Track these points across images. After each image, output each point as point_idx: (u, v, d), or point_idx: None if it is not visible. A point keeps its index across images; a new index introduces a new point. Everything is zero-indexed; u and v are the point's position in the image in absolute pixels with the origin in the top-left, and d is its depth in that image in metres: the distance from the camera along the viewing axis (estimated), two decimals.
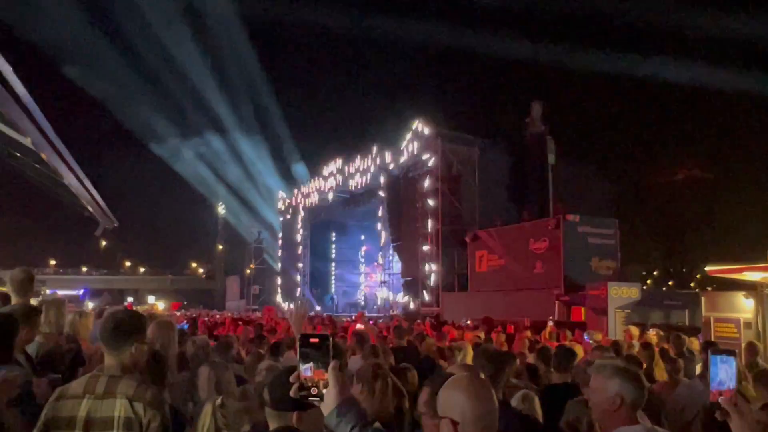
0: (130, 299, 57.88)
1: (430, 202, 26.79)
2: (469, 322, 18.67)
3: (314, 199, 39.45)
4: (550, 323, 12.35)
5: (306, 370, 1.66)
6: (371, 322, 15.82)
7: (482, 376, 2.54)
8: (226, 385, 4.14)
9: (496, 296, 22.63)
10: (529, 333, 10.35)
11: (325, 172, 37.41)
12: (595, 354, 5.77)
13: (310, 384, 1.64)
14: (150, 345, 3.30)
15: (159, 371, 3.62)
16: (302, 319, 4.04)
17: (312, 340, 1.69)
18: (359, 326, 9.83)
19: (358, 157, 33.26)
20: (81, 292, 56.08)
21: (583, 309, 17.47)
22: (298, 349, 1.72)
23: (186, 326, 9.01)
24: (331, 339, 1.70)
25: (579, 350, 7.40)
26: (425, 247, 27.00)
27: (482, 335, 10.58)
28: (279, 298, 45.19)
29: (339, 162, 35.84)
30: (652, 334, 10.04)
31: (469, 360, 5.33)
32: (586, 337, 9.44)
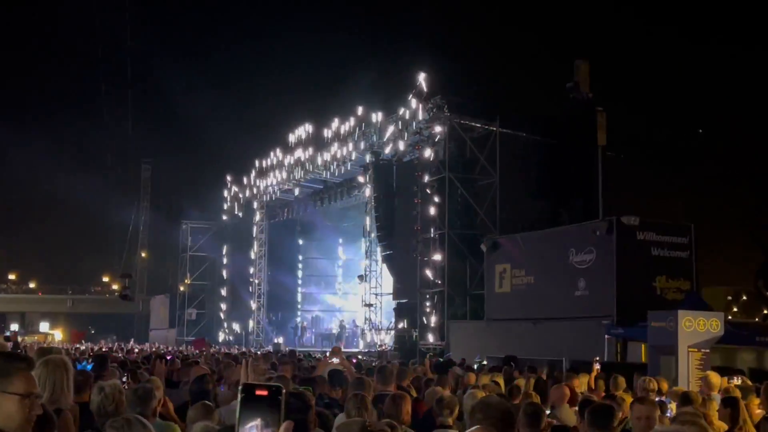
0: (14, 327, 57.37)
1: (435, 197, 26.79)
2: (484, 362, 18.66)
3: (274, 188, 39.39)
4: (597, 366, 12.30)
5: (251, 428, 1.65)
6: (354, 361, 15.80)
7: None
8: None
9: (522, 327, 22.58)
10: (576, 380, 10.29)
11: (288, 158, 37.19)
12: (639, 410, 5.68)
13: None
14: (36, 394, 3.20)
15: None
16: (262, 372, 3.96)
17: (258, 392, 1.69)
18: (334, 360, 9.75)
19: (335, 122, 33.10)
20: None
21: (643, 346, 17.46)
22: (238, 403, 1.72)
23: (89, 366, 8.89)
24: (284, 392, 1.70)
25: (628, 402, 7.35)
26: (426, 258, 26.99)
27: (501, 381, 10.46)
28: (224, 326, 45.05)
29: (308, 128, 35.67)
30: (734, 384, 10.00)
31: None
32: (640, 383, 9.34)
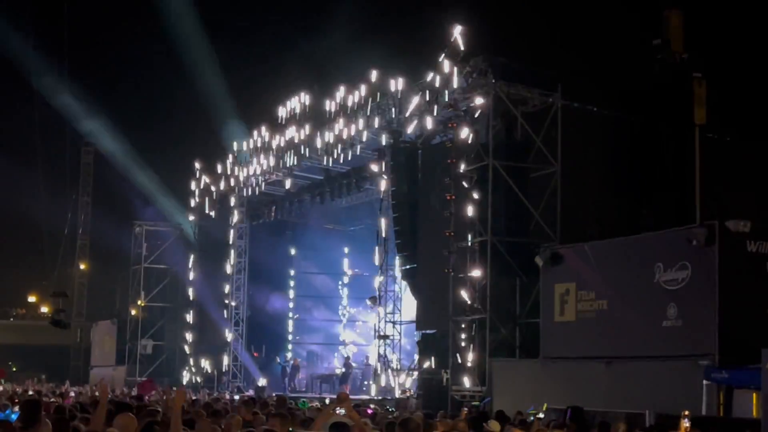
0: None
1: (474, 192, 26.73)
2: (541, 415, 18.57)
3: (258, 179, 39.42)
4: (686, 423, 12.28)
5: None
6: (369, 411, 15.78)
7: None
8: None
9: (591, 369, 22.56)
10: None
11: (277, 139, 37.25)
12: None
13: None
14: None
15: None
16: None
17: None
18: (339, 411, 9.84)
19: (341, 91, 33.17)
20: None
21: (755, 396, 17.35)
22: None
23: (14, 415, 8.93)
24: None
25: None
26: (462, 275, 26.93)
27: None
28: (190, 363, 45.09)
29: (305, 99, 35.66)
30: None
31: None
32: None
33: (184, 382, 43.04)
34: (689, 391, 19.23)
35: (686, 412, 13.41)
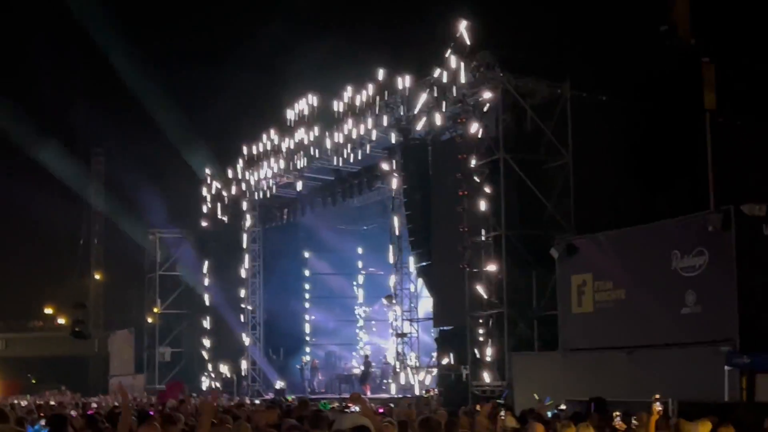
0: None
1: (486, 186, 26.70)
2: (563, 407, 18.51)
3: (269, 182, 39.49)
4: (658, 406, 12.20)
5: None
6: (380, 410, 15.70)
7: None
8: None
9: (611, 359, 22.44)
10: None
11: (287, 141, 37.29)
12: None
13: None
14: None
15: None
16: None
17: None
18: (354, 409, 9.88)
19: (348, 91, 33.19)
20: None
21: None
22: None
23: (44, 430, 8.92)
24: None
25: None
26: (477, 270, 26.90)
27: None
28: (209, 368, 45.18)
29: (312, 101, 35.73)
30: None
31: None
32: None
33: (203, 388, 43.14)
34: (711, 377, 19.15)
35: (657, 396, 13.20)
